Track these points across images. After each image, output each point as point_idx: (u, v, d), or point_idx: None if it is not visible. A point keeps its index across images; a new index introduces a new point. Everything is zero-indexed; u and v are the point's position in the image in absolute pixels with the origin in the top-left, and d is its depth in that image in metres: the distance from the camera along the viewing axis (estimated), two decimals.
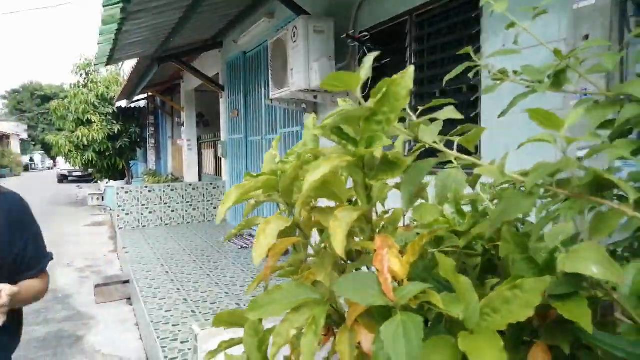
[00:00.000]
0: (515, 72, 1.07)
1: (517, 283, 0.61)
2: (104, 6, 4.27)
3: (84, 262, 6.89)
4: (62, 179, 24.63)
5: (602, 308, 0.67)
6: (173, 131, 12.67)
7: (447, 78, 1.22)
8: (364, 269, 0.79)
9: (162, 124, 13.89)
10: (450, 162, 0.76)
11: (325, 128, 0.61)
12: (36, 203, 14.62)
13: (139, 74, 8.48)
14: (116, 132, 12.04)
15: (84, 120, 11.71)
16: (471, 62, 1.16)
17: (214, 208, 7.69)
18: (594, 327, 0.65)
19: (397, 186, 1.11)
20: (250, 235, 6.35)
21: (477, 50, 2.97)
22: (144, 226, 7.32)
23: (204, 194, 7.65)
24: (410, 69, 0.60)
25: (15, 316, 1.45)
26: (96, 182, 16.69)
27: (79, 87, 12.25)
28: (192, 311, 3.66)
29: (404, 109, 0.91)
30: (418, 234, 0.88)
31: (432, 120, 0.71)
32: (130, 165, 13.56)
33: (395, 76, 0.59)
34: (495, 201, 0.85)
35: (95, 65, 7.18)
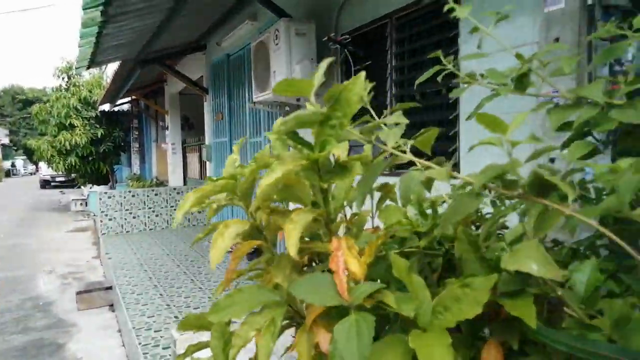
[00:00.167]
0: (482, 76, 1.10)
1: (467, 281, 0.63)
2: (83, 9, 4.23)
3: (66, 269, 6.79)
4: (45, 184, 24.23)
5: (550, 304, 0.70)
6: (157, 135, 12.57)
7: (418, 81, 1.25)
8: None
9: (146, 127, 13.77)
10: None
11: (281, 132, 0.62)
12: (18, 209, 14.37)
13: (121, 77, 8.40)
14: (99, 136, 11.90)
15: (67, 124, 11.55)
16: (442, 66, 1.19)
17: (199, 212, 7.64)
18: (543, 323, 0.68)
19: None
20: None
21: (456, 53, 3.01)
22: (127, 231, 7.24)
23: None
24: (362, 75, 0.62)
25: None
26: (79, 187, 16.46)
27: (61, 90, 12.09)
28: (175, 317, 3.64)
29: (370, 113, 0.93)
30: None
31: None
32: (114, 170, 13.41)
33: (347, 82, 0.61)
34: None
35: (76, 68, 7.09)
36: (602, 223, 0.88)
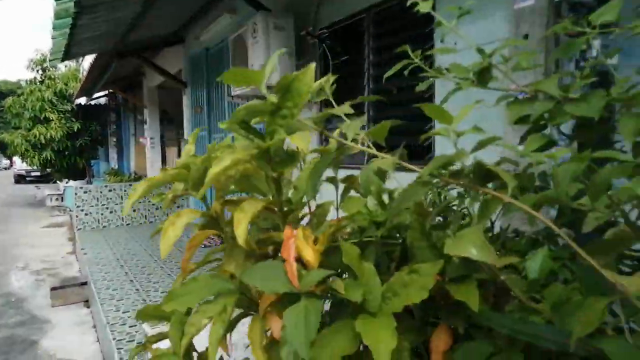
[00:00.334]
0: (447, 70, 1.12)
1: (414, 267, 0.65)
2: (56, 0, 4.14)
3: (40, 265, 6.65)
4: (20, 179, 23.67)
5: (498, 289, 0.72)
6: (136, 129, 12.37)
7: (386, 75, 1.26)
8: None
9: (124, 121, 13.53)
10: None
11: (232, 122, 0.63)
12: None
13: (98, 69, 8.23)
14: (76, 130, 11.66)
15: (42, 118, 11.28)
16: (409, 60, 1.21)
17: (178, 207, 7.57)
18: (490, 307, 0.70)
19: (330, 180, 1.14)
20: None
21: (432, 48, 3.04)
22: (104, 227, 7.13)
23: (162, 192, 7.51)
24: (312, 67, 0.63)
25: None
26: (55, 182, 16.12)
27: (35, 83, 11.79)
28: None
29: (332, 104, 0.94)
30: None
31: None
32: (92, 165, 13.16)
33: (297, 73, 0.62)
34: None
35: (50, 61, 6.93)
36: (561, 213, 0.91)
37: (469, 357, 0.64)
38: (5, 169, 41.04)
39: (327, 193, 1.09)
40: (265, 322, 0.67)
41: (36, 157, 11.59)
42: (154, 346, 0.85)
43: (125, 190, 7.25)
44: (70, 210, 9.90)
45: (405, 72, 1.15)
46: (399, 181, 0.92)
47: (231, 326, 0.75)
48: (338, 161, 1.14)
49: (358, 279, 0.66)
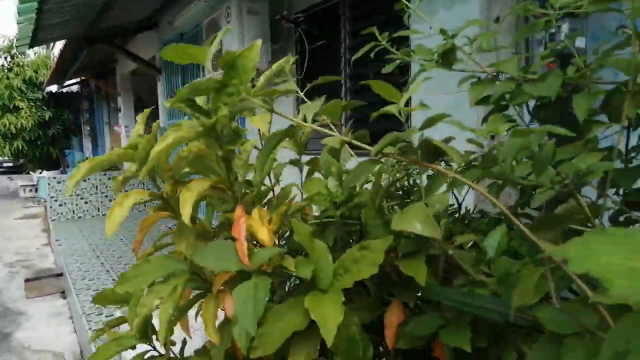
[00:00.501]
0: (413, 52, 1.12)
1: (364, 244, 0.65)
2: None
3: (14, 257, 6.50)
4: None
5: (449, 264, 0.73)
6: (110, 117, 12.08)
7: (354, 58, 1.26)
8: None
9: (97, 109, 13.20)
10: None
11: (177, 101, 0.62)
12: None
13: (68, 56, 7.99)
14: (47, 119, 11.33)
15: (11, 106, 10.92)
16: (377, 42, 1.21)
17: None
18: (440, 282, 0.72)
19: (293, 162, 1.14)
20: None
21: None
22: (79, 217, 7.00)
23: (144, 182, 7.41)
24: (258, 43, 0.62)
25: None
26: (28, 172, 15.70)
27: (3, 71, 11.38)
28: None
29: (297, 84, 0.93)
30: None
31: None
32: (65, 154, 12.84)
33: (242, 49, 0.61)
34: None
35: (17, 47, 6.69)
36: (522, 192, 0.93)
37: (419, 330, 0.66)
38: None
39: (295, 176, 1.08)
40: (218, 301, 0.67)
41: (7, 147, 11.25)
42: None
43: (100, 180, 7.12)
44: (45, 201, 9.68)
45: (372, 55, 1.15)
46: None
47: (187, 307, 0.75)
48: (301, 144, 1.14)
49: (310, 257, 0.66)
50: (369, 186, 1.01)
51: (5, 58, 11.56)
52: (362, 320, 0.73)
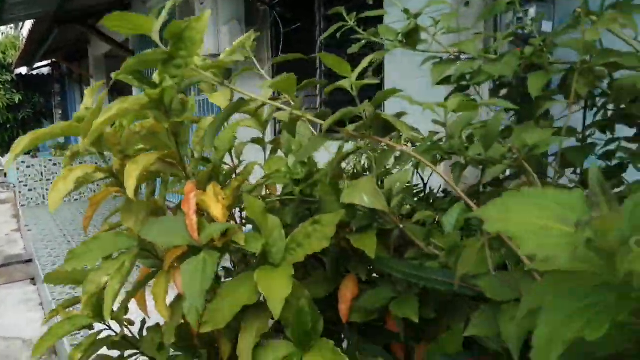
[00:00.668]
0: (378, 32, 1.11)
1: (317, 219, 0.65)
2: None
3: None
4: None
5: (403, 239, 0.74)
6: (82, 100, 11.75)
7: (321, 38, 1.24)
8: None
9: (69, 92, 12.80)
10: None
11: (124, 72, 0.60)
12: None
13: (37, 37, 7.69)
14: (17, 102, 10.96)
15: None
16: (344, 23, 1.19)
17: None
18: (394, 256, 0.73)
19: (256, 141, 1.13)
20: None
21: (382, 16, 3.02)
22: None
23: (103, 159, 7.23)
24: (207, 14, 0.60)
25: None
26: None
27: None
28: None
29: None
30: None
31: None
32: None
33: (189, 19, 0.59)
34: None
35: None
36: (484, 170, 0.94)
37: (371, 303, 0.66)
38: None
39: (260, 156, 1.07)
40: (169, 277, 0.66)
41: None
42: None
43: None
44: (14, 187, 9.40)
45: (338, 35, 1.14)
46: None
47: (142, 284, 0.74)
48: (264, 122, 1.12)
49: (262, 232, 0.66)
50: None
51: None
52: (318, 295, 0.74)
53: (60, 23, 6.42)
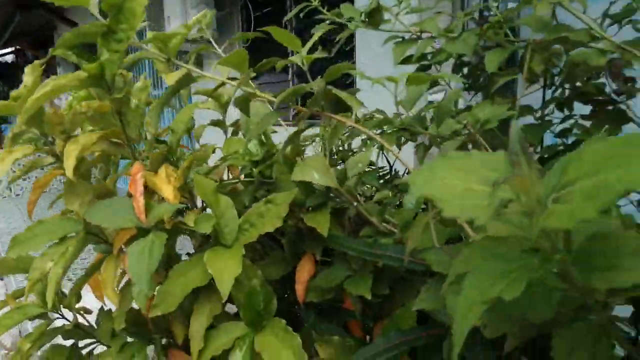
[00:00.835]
0: (339, 14, 1.10)
1: (270, 198, 0.64)
2: None
3: None
4: None
5: (360, 218, 0.74)
6: None
7: (286, 18, 1.22)
8: None
9: None
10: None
11: (60, 47, 0.57)
12: None
13: None
14: None
15: None
16: (308, 3, 1.17)
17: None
18: (349, 234, 0.72)
19: (216, 124, 1.10)
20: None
21: None
22: (17, 195, 6.62)
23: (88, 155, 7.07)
24: None
25: None
26: None
27: None
28: (69, 279, 3.45)
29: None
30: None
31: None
32: (2, 129, 12.03)
33: None
34: None
35: None
36: None
37: (326, 283, 0.66)
38: None
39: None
40: (119, 261, 0.64)
41: None
42: None
43: (39, 155, 6.73)
44: None
45: (302, 15, 1.12)
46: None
47: (93, 270, 0.72)
48: (224, 104, 1.10)
49: (214, 213, 0.65)
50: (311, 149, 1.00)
51: None
52: (275, 276, 0.73)
53: (23, 8, 6.16)
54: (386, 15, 1.00)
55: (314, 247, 0.69)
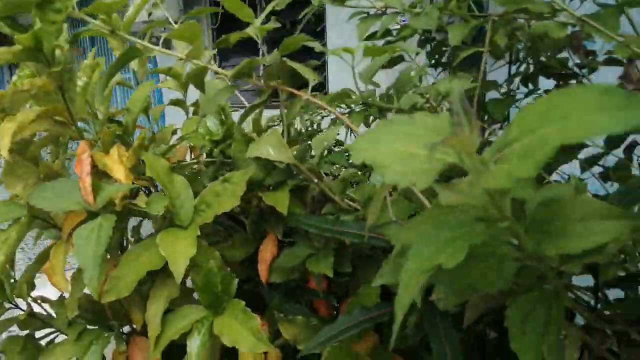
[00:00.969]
0: None
1: (227, 177, 0.62)
2: None
3: None
4: None
5: (324, 196, 0.72)
6: (11, 75, 10.90)
7: None
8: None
9: None
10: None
11: None
12: None
13: None
14: None
15: None
16: None
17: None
18: (310, 212, 0.71)
19: (175, 103, 1.06)
20: None
21: None
22: None
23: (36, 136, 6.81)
24: None
25: None
26: None
27: None
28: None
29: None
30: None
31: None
32: None
33: None
34: None
35: None
36: None
37: (288, 262, 0.64)
38: None
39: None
40: (68, 246, 0.61)
41: None
42: None
43: None
44: None
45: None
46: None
47: (45, 257, 0.68)
48: (184, 84, 1.06)
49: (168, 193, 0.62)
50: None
51: None
52: (237, 257, 0.71)
53: None
54: None
55: (274, 227, 0.67)
